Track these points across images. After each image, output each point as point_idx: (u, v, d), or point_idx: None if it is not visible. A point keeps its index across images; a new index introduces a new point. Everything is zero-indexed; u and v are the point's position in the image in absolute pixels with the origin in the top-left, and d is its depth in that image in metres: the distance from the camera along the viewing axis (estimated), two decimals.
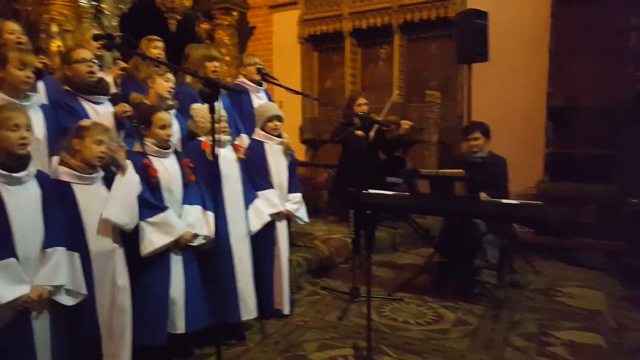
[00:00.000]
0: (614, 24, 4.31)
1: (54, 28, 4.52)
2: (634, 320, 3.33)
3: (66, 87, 2.58)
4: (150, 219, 2.42)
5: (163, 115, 2.50)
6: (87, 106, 2.58)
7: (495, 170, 3.59)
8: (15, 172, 1.93)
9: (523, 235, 4.47)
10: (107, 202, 2.19)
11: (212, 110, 1.90)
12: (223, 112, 2.79)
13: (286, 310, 3.24)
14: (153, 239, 2.42)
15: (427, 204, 3.38)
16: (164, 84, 2.81)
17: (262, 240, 3.12)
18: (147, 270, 2.45)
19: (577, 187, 4.62)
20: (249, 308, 2.95)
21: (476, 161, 3.63)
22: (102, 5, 4.94)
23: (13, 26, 2.89)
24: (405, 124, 3.63)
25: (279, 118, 3.13)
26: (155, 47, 3.53)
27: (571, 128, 4.79)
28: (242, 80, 3.56)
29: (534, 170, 4.92)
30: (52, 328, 2.07)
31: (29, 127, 1.97)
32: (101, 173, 2.25)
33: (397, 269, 4.29)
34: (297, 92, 3.26)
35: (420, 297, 3.63)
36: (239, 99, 3.39)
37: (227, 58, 6.25)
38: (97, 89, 2.60)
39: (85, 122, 2.13)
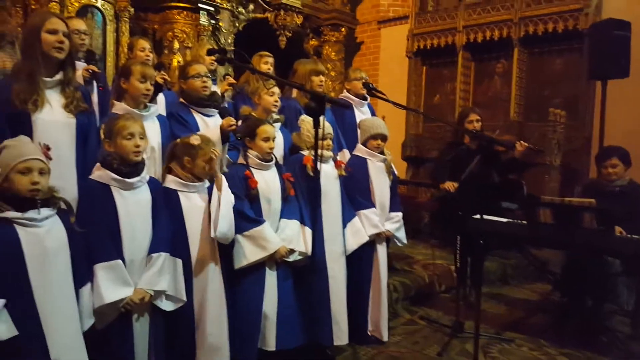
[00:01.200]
0: None
1: (176, 45, 4.89)
2: None
3: (181, 100, 2.71)
4: (247, 232, 2.40)
5: (267, 128, 2.50)
6: (198, 118, 2.67)
7: (635, 201, 3.06)
8: (129, 177, 2.02)
9: None
10: (215, 218, 2.18)
11: (316, 124, 1.81)
12: (330, 129, 2.73)
13: (384, 337, 3.05)
14: (247, 253, 2.40)
15: (549, 235, 2.99)
16: (268, 98, 2.82)
17: (360, 261, 2.98)
18: (241, 284, 2.43)
19: None
20: (341, 332, 2.81)
21: (613, 190, 3.14)
22: (220, 24, 5.26)
23: (144, 44, 3.13)
24: (521, 145, 3.27)
25: (383, 138, 2.99)
26: (266, 63, 3.62)
27: None
28: (345, 94, 3.49)
29: None
30: (152, 332, 2.12)
31: (143, 136, 2.05)
32: (206, 183, 2.28)
33: (508, 304, 3.86)
34: (404, 107, 3.11)
35: (534, 339, 3.20)
36: (342, 113, 3.32)
37: (332, 73, 6.29)
38: (208, 102, 2.68)
39: (195, 140, 2.18)
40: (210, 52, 2.17)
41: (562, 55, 4.87)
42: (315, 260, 2.62)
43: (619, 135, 3.88)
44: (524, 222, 3.03)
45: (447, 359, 2.93)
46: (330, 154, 2.77)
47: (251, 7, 5.64)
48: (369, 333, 3.07)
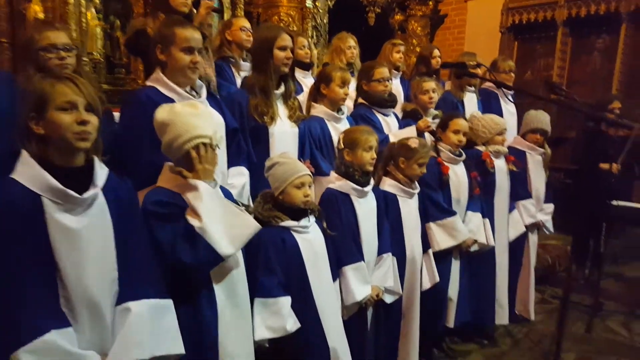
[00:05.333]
0: None
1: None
2: None
3: (362, 101, 2.84)
4: (440, 221, 2.59)
5: (460, 122, 2.63)
6: (380, 118, 2.81)
7: None
8: (363, 186, 2.19)
9: None
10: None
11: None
12: (505, 125, 2.86)
13: (532, 316, 3.28)
14: (439, 240, 2.59)
15: None
16: (423, 97, 2.96)
17: (515, 248, 3.16)
18: None
19: None
20: (503, 314, 3.06)
21: None
22: (317, 3, 5.26)
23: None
24: None
25: (544, 132, 3.10)
26: (398, 52, 3.69)
27: None
28: (489, 85, 3.55)
29: None
30: (372, 323, 2.35)
31: (376, 149, 2.21)
32: (418, 188, 2.45)
33: (626, 282, 4.05)
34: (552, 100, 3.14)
35: None
36: (490, 105, 3.42)
37: (418, 49, 6.27)
38: (389, 103, 2.81)
39: (414, 143, 2.33)
40: (446, 66, 2.27)
41: None
42: (488, 250, 2.84)
43: None
44: None
45: (596, 336, 3.16)
46: (505, 149, 2.91)
47: None
48: (516, 312, 3.30)
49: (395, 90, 3.52)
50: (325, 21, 5.43)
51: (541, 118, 3.10)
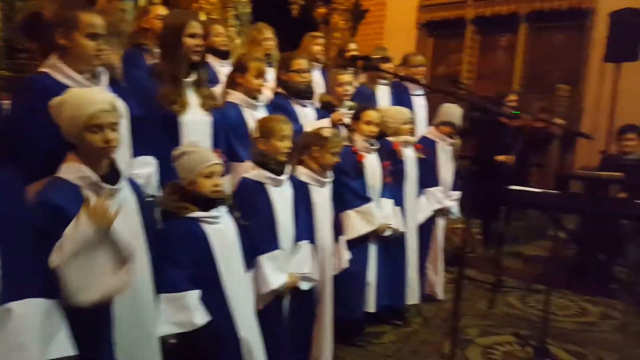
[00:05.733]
0: None
1: (202, 17, 4.82)
2: None
3: (280, 90, 2.87)
4: (358, 208, 2.71)
5: (372, 113, 2.75)
6: (298, 108, 2.86)
7: None
8: (280, 175, 2.23)
9: None
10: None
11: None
12: (411, 115, 3.02)
13: (440, 295, 3.51)
14: (357, 226, 2.71)
15: (580, 204, 3.53)
16: (339, 89, 3.06)
17: (423, 232, 3.36)
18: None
19: None
20: (414, 294, 3.25)
21: (629, 163, 3.70)
22: None
23: (219, 29, 3.08)
24: (560, 122, 3.74)
25: (455, 126, 3.32)
26: (318, 44, 3.75)
27: None
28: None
29: None
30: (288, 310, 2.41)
31: (291, 138, 2.25)
32: (332, 177, 2.52)
33: (525, 260, 4.46)
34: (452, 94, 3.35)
35: (559, 290, 3.80)
36: (402, 98, 3.60)
37: (339, 42, 6.40)
38: (306, 94, 2.87)
39: (326, 132, 2.40)
40: (355, 59, 2.34)
41: (563, 31, 5.33)
42: (399, 235, 3.00)
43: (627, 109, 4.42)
44: (558, 192, 3.54)
45: (497, 311, 3.46)
46: (414, 139, 3.08)
47: None
48: (425, 292, 3.52)
49: (315, 82, 3.59)
50: (247, 10, 5.39)
51: (453, 112, 3.32)
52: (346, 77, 3.09)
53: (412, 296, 3.24)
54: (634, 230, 3.71)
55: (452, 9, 5.68)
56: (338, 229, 2.58)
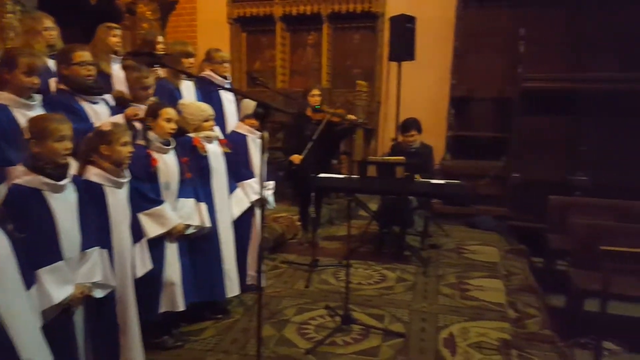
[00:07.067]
0: (506, 30, 5.25)
1: None
2: (517, 267, 4.42)
3: (62, 86, 2.61)
4: (147, 211, 2.63)
5: (170, 110, 2.69)
6: (86, 106, 2.64)
7: (426, 158, 4.36)
8: (60, 180, 2.05)
9: (435, 206, 5.38)
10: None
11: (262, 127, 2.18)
12: (212, 111, 3.04)
13: (262, 283, 3.65)
14: (148, 229, 2.62)
15: (375, 185, 4.04)
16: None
17: (241, 224, 3.45)
18: None
19: (474, 164, 5.64)
20: (233, 286, 3.31)
21: (411, 150, 4.36)
22: None
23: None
24: (351, 117, 4.20)
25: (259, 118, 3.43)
26: (115, 35, 3.52)
27: (469, 115, 5.77)
28: (209, 73, 3.71)
29: (437, 149, 5.83)
30: (86, 320, 2.25)
31: (71, 138, 2.08)
32: (128, 177, 2.40)
33: (338, 240, 4.90)
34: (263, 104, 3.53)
35: (364, 262, 4.29)
36: (209, 93, 3.59)
37: (143, 33, 6.09)
38: (95, 90, 2.67)
39: (106, 127, 2.26)
40: (136, 54, 2.21)
41: (359, 31, 5.95)
42: (208, 230, 3.03)
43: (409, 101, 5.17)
44: (358, 177, 3.99)
45: (312, 288, 3.76)
46: (216, 134, 3.10)
47: None
48: (247, 283, 3.63)
49: (115, 76, 3.36)
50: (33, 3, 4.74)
51: (251, 105, 3.43)
52: (150, 80, 2.95)
53: (232, 288, 3.30)
54: (417, 203, 4.40)
55: (261, 5, 5.87)
56: (137, 231, 2.49)
